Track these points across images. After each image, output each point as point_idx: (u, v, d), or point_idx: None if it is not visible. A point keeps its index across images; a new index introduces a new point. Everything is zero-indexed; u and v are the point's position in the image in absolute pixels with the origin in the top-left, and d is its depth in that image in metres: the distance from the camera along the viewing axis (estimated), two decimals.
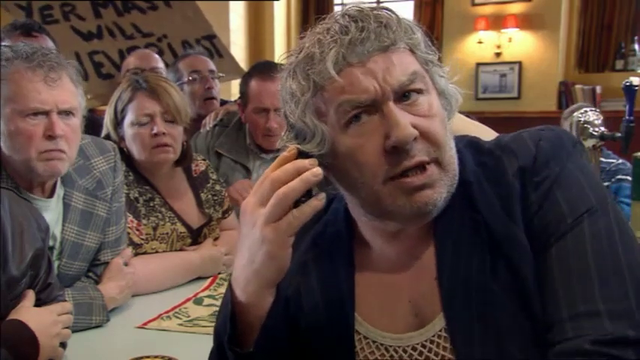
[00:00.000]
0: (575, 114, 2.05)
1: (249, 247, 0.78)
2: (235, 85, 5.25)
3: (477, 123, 1.36)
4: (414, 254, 0.84)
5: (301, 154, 0.79)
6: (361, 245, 0.88)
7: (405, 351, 0.83)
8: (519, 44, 6.33)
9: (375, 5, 0.82)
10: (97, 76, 3.20)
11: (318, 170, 0.76)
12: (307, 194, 0.76)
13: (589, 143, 1.91)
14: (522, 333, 0.76)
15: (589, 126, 1.95)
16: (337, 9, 7.51)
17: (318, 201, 0.76)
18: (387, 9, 0.81)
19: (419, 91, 0.79)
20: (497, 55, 6.40)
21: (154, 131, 1.77)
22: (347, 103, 0.77)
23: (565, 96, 6.24)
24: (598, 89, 6.08)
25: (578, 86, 6.18)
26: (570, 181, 0.78)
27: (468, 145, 0.86)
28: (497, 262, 0.78)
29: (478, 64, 6.35)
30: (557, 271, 0.75)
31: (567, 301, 0.74)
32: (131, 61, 2.81)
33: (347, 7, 0.82)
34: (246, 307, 0.82)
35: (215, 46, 3.50)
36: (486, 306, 0.77)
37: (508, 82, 6.38)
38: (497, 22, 6.34)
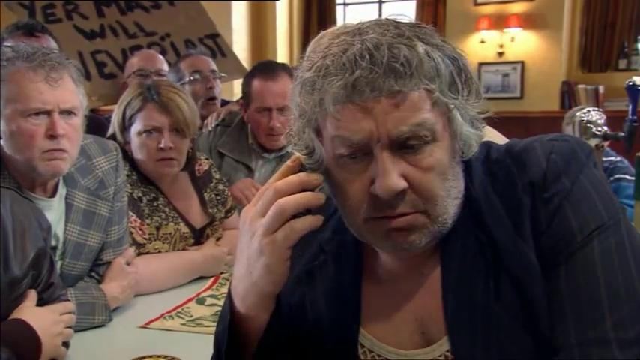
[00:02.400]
0: (577, 114, 2.05)
1: (248, 258, 0.78)
2: (238, 85, 5.23)
3: (488, 128, 1.35)
4: (421, 271, 0.83)
5: (304, 167, 0.78)
6: (370, 254, 0.86)
7: None
8: (522, 44, 6.32)
9: (398, 37, 0.73)
10: (100, 75, 3.20)
11: (322, 196, 0.75)
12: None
13: (592, 143, 1.91)
14: (528, 357, 0.75)
15: (592, 126, 1.95)
16: (339, 9, 7.52)
17: (316, 220, 0.75)
18: (411, 45, 0.72)
19: (423, 140, 0.74)
20: (500, 54, 6.39)
21: (161, 145, 1.76)
22: (340, 139, 0.74)
23: (568, 96, 6.23)
24: (601, 89, 6.06)
25: (580, 86, 6.16)
26: (581, 197, 0.76)
27: (477, 152, 0.83)
28: (503, 285, 0.76)
29: (480, 64, 6.34)
30: (565, 292, 0.73)
31: (576, 326, 0.72)
32: (135, 61, 2.80)
33: (376, 22, 0.76)
34: (245, 318, 0.81)
35: (218, 45, 3.49)
36: (491, 330, 0.76)
37: (511, 82, 6.37)
38: (499, 22, 6.32)
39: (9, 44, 1.45)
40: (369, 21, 0.78)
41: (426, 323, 0.82)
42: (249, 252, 0.77)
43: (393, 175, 0.72)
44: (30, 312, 1.14)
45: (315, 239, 0.88)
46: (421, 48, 0.73)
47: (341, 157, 0.76)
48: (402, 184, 0.73)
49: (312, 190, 0.77)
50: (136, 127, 1.79)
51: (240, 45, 6.45)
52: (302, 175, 0.76)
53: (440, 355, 0.80)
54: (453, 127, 0.77)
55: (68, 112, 1.39)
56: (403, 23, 0.76)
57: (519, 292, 0.76)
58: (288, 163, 0.78)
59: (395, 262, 0.84)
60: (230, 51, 3.51)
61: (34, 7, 3.35)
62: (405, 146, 0.73)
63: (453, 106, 0.75)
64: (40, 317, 1.15)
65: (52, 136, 1.36)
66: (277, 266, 0.76)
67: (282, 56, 6.98)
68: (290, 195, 0.75)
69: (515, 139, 0.88)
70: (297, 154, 0.79)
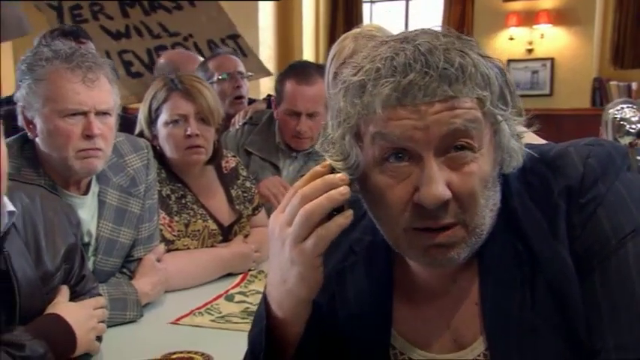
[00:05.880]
0: (610, 111, 2.00)
1: (280, 267, 0.77)
2: (263, 84, 5.27)
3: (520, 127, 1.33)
4: (456, 280, 0.82)
5: (334, 171, 0.76)
6: (401, 257, 0.85)
7: None
8: (552, 40, 6.22)
9: (448, 44, 0.73)
10: (127, 74, 3.26)
11: (345, 189, 0.73)
12: (338, 208, 0.74)
13: (625, 141, 1.87)
14: None
15: (625, 123, 1.91)
16: (366, 7, 7.49)
17: (344, 218, 0.73)
18: (464, 53, 0.72)
19: (468, 148, 0.73)
20: (529, 51, 6.30)
21: (188, 132, 1.79)
22: (387, 141, 0.73)
23: (599, 93, 6.11)
24: (634, 85, 5.93)
25: (612, 82, 6.04)
26: (616, 201, 0.75)
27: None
28: (540, 293, 0.76)
29: (509, 61, 6.26)
30: (601, 296, 0.73)
31: (612, 330, 0.71)
32: (167, 62, 2.85)
33: (423, 31, 0.75)
34: (283, 322, 0.81)
35: (239, 46, 3.53)
36: (529, 338, 0.75)
37: (540, 79, 6.28)
38: (529, 18, 6.24)
39: (47, 44, 1.48)
40: (414, 30, 0.77)
41: (459, 330, 0.81)
42: (281, 260, 0.76)
43: (439, 184, 0.71)
44: (64, 307, 1.17)
45: (346, 239, 0.87)
46: (473, 56, 0.72)
47: (383, 161, 0.74)
48: (448, 193, 0.72)
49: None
50: (163, 118, 1.82)
51: (266, 43, 6.49)
52: (327, 176, 0.75)
53: (472, 359, 0.80)
54: (498, 139, 0.76)
55: (103, 113, 1.41)
56: (449, 33, 0.76)
57: (557, 299, 0.75)
58: (318, 167, 0.77)
59: (428, 269, 0.83)
60: (251, 51, 3.54)
61: (62, 8, 3.42)
62: (452, 149, 0.72)
63: (501, 118, 0.75)
64: (75, 312, 1.17)
65: (87, 135, 1.39)
66: (310, 274, 0.75)
67: (308, 54, 7.00)
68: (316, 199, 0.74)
69: (549, 143, 0.87)
70: (328, 162, 0.77)
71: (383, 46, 0.75)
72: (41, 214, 1.17)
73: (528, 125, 0.80)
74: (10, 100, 1.34)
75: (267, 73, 3.82)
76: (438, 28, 0.77)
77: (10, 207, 1.08)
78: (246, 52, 3.43)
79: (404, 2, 7.42)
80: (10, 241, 1.09)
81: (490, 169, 0.75)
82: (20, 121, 1.42)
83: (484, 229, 0.76)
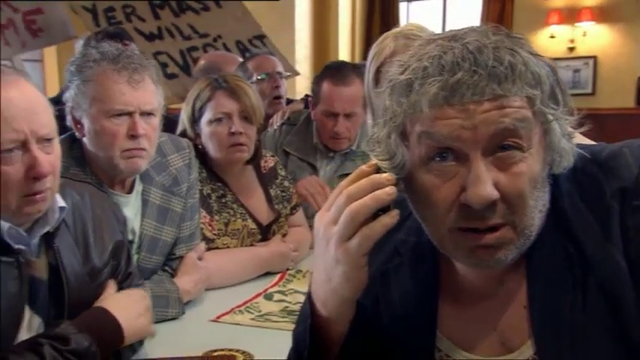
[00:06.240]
0: None
1: (325, 266, 0.77)
2: (300, 84, 5.29)
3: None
4: (503, 282, 0.81)
5: (380, 171, 0.76)
6: (447, 259, 0.84)
7: None
8: (594, 38, 6.07)
9: (498, 43, 0.71)
10: (163, 75, 3.33)
11: (391, 189, 0.72)
12: (384, 209, 0.73)
13: None
14: None
15: None
16: (402, 5, 7.44)
17: (390, 218, 0.72)
18: (514, 51, 0.71)
19: (517, 148, 0.71)
20: (571, 49, 6.17)
21: (232, 130, 1.81)
22: (434, 140, 0.72)
23: None
24: None
25: None
26: None
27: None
28: (592, 296, 0.74)
29: (550, 60, 6.13)
30: None
31: None
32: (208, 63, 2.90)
33: (471, 29, 0.74)
34: (327, 321, 0.82)
35: (266, 46, 3.56)
36: (580, 342, 0.74)
37: (582, 78, 6.14)
38: (570, 16, 6.10)
39: (94, 45, 1.52)
40: (463, 28, 0.76)
41: (507, 333, 0.80)
42: (326, 259, 0.76)
43: (487, 184, 0.70)
44: (110, 299, 1.19)
45: (390, 240, 0.87)
46: (523, 55, 0.71)
47: (429, 160, 0.74)
48: (495, 193, 0.70)
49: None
50: (206, 117, 1.84)
51: (302, 43, 6.50)
52: (373, 176, 0.74)
53: None
54: (548, 139, 0.74)
55: (148, 113, 1.44)
56: (498, 31, 0.74)
57: (609, 301, 0.73)
58: (364, 167, 0.76)
59: (475, 273, 0.82)
60: (278, 52, 3.57)
61: (97, 10, 3.51)
62: (500, 148, 0.71)
63: (551, 117, 0.73)
64: (120, 302, 1.19)
65: (132, 135, 1.42)
66: (355, 274, 0.75)
67: (343, 54, 6.99)
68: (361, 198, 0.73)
69: (600, 143, 0.85)
70: (374, 161, 0.77)
71: (430, 44, 0.74)
72: (90, 211, 1.21)
73: (579, 125, 0.78)
74: (56, 101, 1.38)
75: (295, 73, 3.84)
76: (486, 26, 0.76)
77: (61, 203, 1.11)
78: (273, 52, 3.46)
79: (441, 0, 7.34)
80: (60, 237, 1.12)
81: (539, 169, 0.74)
82: (69, 121, 1.46)
83: (533, 230, 0.74)
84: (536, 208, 0.74)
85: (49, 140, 1.06)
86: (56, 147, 1.09)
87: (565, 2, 6.14)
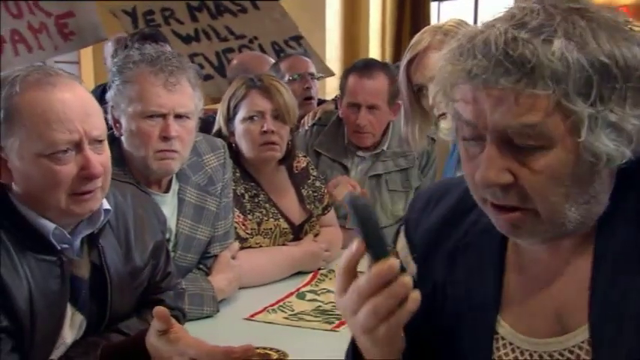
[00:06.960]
0: None
1: (360, 337, 0.78)
2: (329, 84, 5.30)
3: None
4: (569, 261, 0.80)
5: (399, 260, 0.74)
6: (514, 244, 0.84)
7: (541, 357, 0.80)
8: None
9: (532, 30, 0.69)
10: (199, 77, 3.37)
11: (417, 295, 0.72)
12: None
13: None
14: None
15: None
16: (434, 5, 7.38)
17: (414, 304, 0.72)
18: (548, 40, 0.68)
19: (531, 145, 0.70)
20: None
21: (264, 128, 1.83)
22: (460, 121, 0.75)
23: None
24: None
25: None
26: None
27: None
28: None
29: None
30: None
31: None
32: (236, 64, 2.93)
33: (515, 13, 0.73)
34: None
35: (302, 47, 3.57)
36: (638, 331, 0.72)
37: None
38: None
39: (137, 47, 1.55)
40: (523, 5, 0.74)
41: (564, 313, 0.79)
42: (359, 336, 0.78)
43: (492, 169, 0.72)
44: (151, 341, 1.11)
45: (464, 221, 0.88)
46: (557, 45, 0.68)
47: (461, 137, 0.77)
48: (504, 178, 0.71)
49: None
50: (241, 115, 1.87)
51: (333, 43, 6.51)
52: (396, 291, 0.71)
53: (573, 346, 0.77)
54: (586, 134, 0.70)
55: (182, 115, 1.47)
56: (564, 9, 0.71)
57: None
58: (384, 268, 0.71)
59: (545, 251, 0.82)
60: (314, 52, 3.58)
61: (136, 13, 3.57)
62: (517, 138, 0.70)
63: (581, 112, 0.69)
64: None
65: (165, 137, 1.44)
66: (391, 346, 0.77)
67: (374, 54, 6.96)
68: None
69: None
70: (394, 260, 0.72)
71: (477, 29, 0.74)
72: (132, 212, 1.23)
73: None
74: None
75: (330, 73, 3.84)
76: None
77: (106, 205, 1.14)
78: (309, 53, 3.48)
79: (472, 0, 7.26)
80: (104, 237, 1.15)
81: (570, 165, 0.71)
82: (109, 120, 1.50)
83: (565, 221, 0.73)
84: (568, 202, 0.72)
85: (100, 141, 1.09)
86: (106, 148, 1.12)
87: (602, 1, 6.02)
